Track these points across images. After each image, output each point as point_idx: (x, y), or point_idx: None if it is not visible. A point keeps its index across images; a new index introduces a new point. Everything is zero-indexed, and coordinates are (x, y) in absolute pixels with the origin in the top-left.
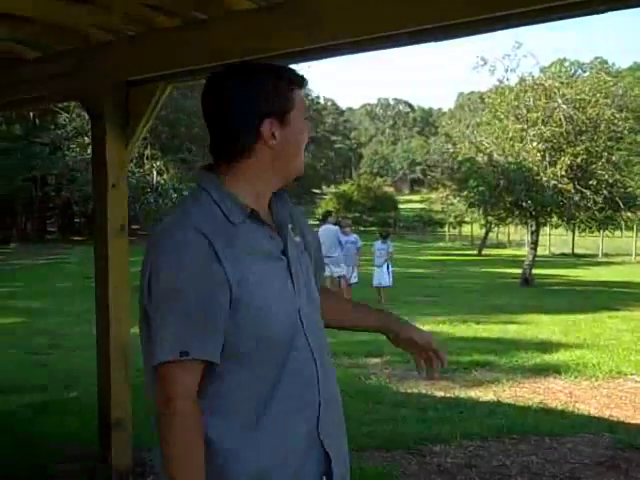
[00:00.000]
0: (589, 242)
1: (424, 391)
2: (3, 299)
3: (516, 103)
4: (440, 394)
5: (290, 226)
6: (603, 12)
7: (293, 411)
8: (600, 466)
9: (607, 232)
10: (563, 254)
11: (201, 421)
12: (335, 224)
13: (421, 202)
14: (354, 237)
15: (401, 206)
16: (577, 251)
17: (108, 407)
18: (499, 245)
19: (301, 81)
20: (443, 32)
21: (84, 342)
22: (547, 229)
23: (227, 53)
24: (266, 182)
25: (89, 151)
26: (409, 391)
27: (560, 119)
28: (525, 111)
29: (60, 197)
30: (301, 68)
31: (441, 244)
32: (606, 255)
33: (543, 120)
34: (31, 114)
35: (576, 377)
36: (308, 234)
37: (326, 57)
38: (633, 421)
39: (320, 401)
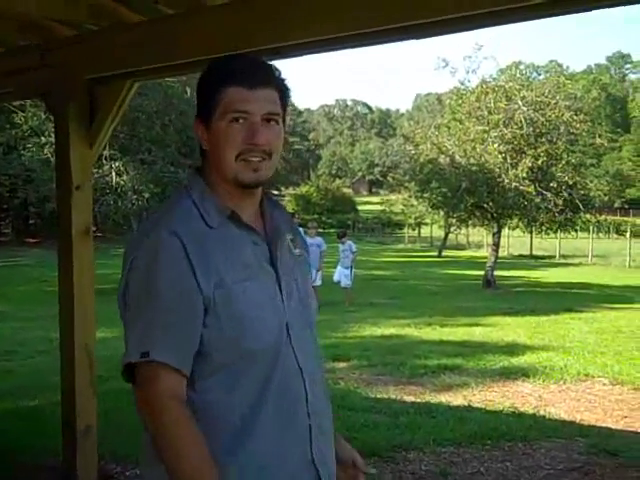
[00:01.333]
0: (546, 243)
1: (394, 396)
2: None
3: (477, 105)
4: (410, 399)
5: (290, 237)
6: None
7: (281, 429)
8: (575, 472)
9: (564, 233)
10: (521, 255)
11: (189, 416)
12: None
13: (380, 204)
14: (319, 240)
15: (360, 207)
16: (535, 252)
17: (73, 415)
18: (458, 247)
19: (232, 77)
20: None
21: (42, 348)
22: (506, 230)
23: (194, 50)
24: (223, 187)
25: (46, 151)
26: (379, 396)
27: (521, 121)
28: (486, 113)
29: (16, 198)
30: None
31: (401, 246)
32: (563, 256)
33: (504, 122)
34: None
35: (544, 380)
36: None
37: (299, 55)
38: (604, 424)
39: (311, 424)
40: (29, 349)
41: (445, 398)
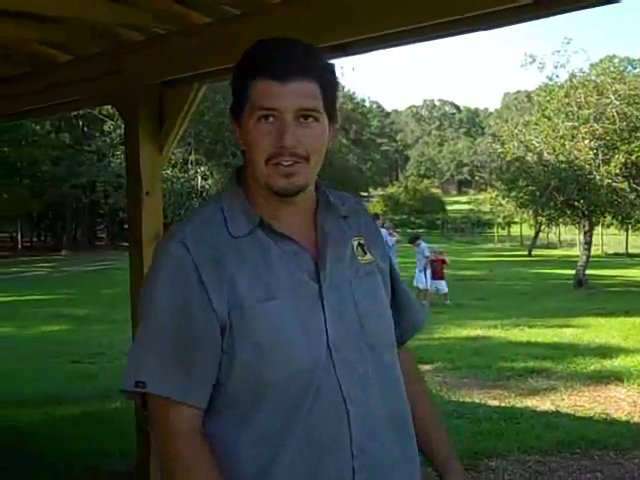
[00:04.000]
0: None
1: (477, 400)
2: (51, 306)
3: (566, 100)
4: (495, 403)
5: (357, 241)
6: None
7: (313, 468)
8: None
9: None
10: (616, 254)
11: (202, 457)
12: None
13: (469, 203)
14: (390, 239)
15: (449, 207)
16: (631, 250)
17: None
18: (549, 245)
19: (261, 68)
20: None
21: (127, 351)
22: (599, 228)
23: None
24: (259, 192)
25: None
26: (461, 400)
27: (613, 116)
28: (576, 108)
29: (108, 204)
30: (347, 69)
31: (490, 245)
32: None
33: (595, 117)
34: (80, 122)
35: (639, 385)
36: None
37: (367, 51)
38: None
39: (354, 466)
40: (115, 351)
41: (531, 403)
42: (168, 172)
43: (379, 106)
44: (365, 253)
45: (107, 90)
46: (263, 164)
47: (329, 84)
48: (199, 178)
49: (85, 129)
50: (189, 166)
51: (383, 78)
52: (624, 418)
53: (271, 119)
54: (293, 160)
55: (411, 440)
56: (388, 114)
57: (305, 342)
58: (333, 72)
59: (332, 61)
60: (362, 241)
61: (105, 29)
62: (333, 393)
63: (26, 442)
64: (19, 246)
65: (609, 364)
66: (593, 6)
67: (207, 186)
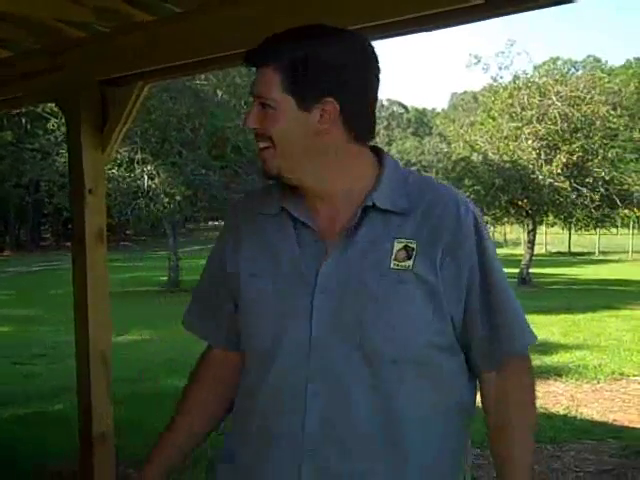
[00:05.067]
0: (585, 240)
1: None
2: None
3: (510, 101)
4: None
5: (402, 244)
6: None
7: (261, 450)
8: (605, 474)
9: (603, 230)
10: (560, 252)
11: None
12: None
13: None
14: None
15: None
16: (574, 249)
17: (89, 421)
18: (496, 245)
19: (247, 61)
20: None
21: (71, 352)
22: (543, 227)
23: (205, 48)
24: None
25: None
26: None
27: (555, 117)
28: (519, 109)
29: (52, 204)
30: None
31: None
32: (603, 253)
33: (538, 118)
34: (23, 120)
35: (577, 379)
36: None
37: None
38: (638, 426)
39: (306, 448)
40: (58, 352)
41: None
42: (114, 171)
43: None
44: (408, 259)
45: (48, 87)
46: None
47: (297, 68)
48: (145, 177)
49: (28, 127)
50: (135, 165)
51: None
52: (562, 412)
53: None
54: (263, 144)
55: (405, 466)
56: None
57: (280, 330)
58: (304, 55)
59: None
60: (412, 245)
61: (46, 25)
62: (295, 382)
63: None
64: None
65: (549, 360)
66: (547, 6)
67: (154, 185)
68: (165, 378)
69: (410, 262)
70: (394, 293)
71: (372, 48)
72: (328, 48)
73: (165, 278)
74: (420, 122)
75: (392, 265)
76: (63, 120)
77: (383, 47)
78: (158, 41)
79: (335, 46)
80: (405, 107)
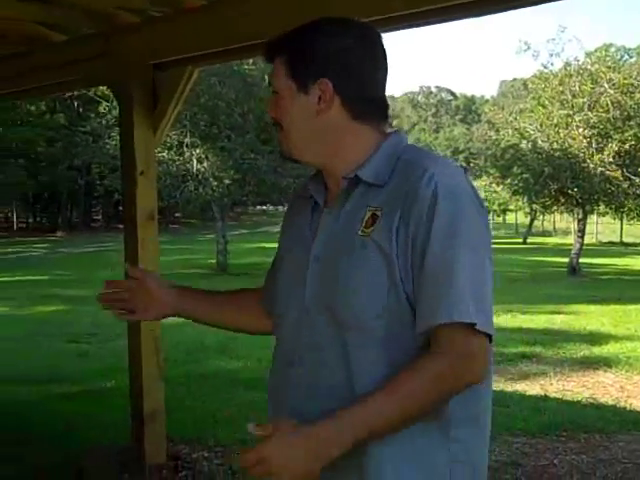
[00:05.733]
0: (638, 230)
1: None
2: (47, 287)
3: (561, 88)
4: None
5: (370, 212)
6: None
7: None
8: None
9: None
10: (611, 242)
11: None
12: None
13: None
14: None
15: None
16: (625, 239)
17: (140, 399)
18: (545, 233)
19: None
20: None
21: (120, 331)
22: (594, 217)
23: (253, 33)
24: None
25: None
26: None
27: (607, 104)
28: (570, 97)
29: (103, 186)
30: None
31: None
32: None
33: (589, 106)
34: (75, 103)
35: (627, 371)
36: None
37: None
38: None
39: (292, 415)
40: (109, 332)
41: (521, 387)
42: (164, 154)
43: None
44: (371, 225)
45: (101, 71)
46: None
47: (295, 54)
48: (194, 161)
49: (80, 110)
50: (184, 149)
51: None
52: (611, 402)
53: None
54: (279, 130)
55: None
56: None
57: (288, 299)
58: (301, 42)
59: None
60: (378, 212)
61: (100, 10)
62: (290, 350)
63: (24, 417)
64: (14, 227)
65: (598, 350)
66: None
67: (202, 169)
68: (213, 360)
69: (372, 228)
70: (355, 259)
71: (375, 36)
72: (324, 36)
73: (213, 261)
74: (468, 109)
75: (359, 232)
76: (114, 103)
77: (430, 34)
78: (208, 26)
79: (331, 34)
80: (454, 94)
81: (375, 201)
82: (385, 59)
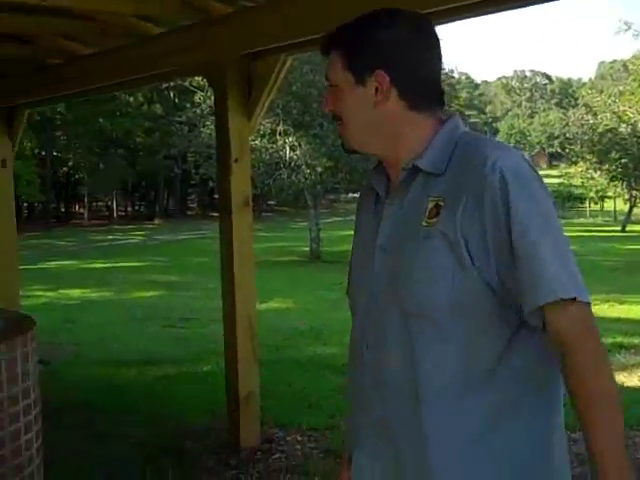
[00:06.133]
0: None
1: None
2: (144, 273)
3: None
4: None
5: (433, 202)
6: None
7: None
8: None
9: None
10: None
11: None
12: None
13: (559, 177)
14: None
15: None
16: None
17: (235, 382)
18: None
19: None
20: None
21: (216, 316)
22: None
23: (345, 20)
24: None
25: None
26: None
27: None
28: None
29: (199, 174)
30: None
31: (582, 220)
32: None
33: None
34: (171, 93)
35: None
36: (482, 224)
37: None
38: None
39: (363, 395)
40: (206, 317)
41: (619, 379)
42: (257, 142)
43: (468, 77)
44: (436, 215)
45: (198, 61)
46: None
47: (352, 46)
48: (287, 149)
49: (176, 100)
50: (277, 137)
51: (473, 49)
52: None
53: None
54: (338, 122)
55: (424, 418)
56: (477, 85)
57: (358, 287)
58: (357, 34)
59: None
60: (441, 203)
61: (195, 2)
62: (361, 336)
63: (124, 397)
64: (114, 215)
65: None
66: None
67: (295, 157)
68: (307, 345)
69: (436, 219)
70: (419, 249)
71: (428, 25)
72: (379, 28)
73: (307, 249)
74: (565, 93)
75: (423, 223)
76: (209, 93)
77: (524, 17)
78: (300, 14)
79: (386, 25)
80: (549, 77)
81: (436, 190)
82: (439, 47)
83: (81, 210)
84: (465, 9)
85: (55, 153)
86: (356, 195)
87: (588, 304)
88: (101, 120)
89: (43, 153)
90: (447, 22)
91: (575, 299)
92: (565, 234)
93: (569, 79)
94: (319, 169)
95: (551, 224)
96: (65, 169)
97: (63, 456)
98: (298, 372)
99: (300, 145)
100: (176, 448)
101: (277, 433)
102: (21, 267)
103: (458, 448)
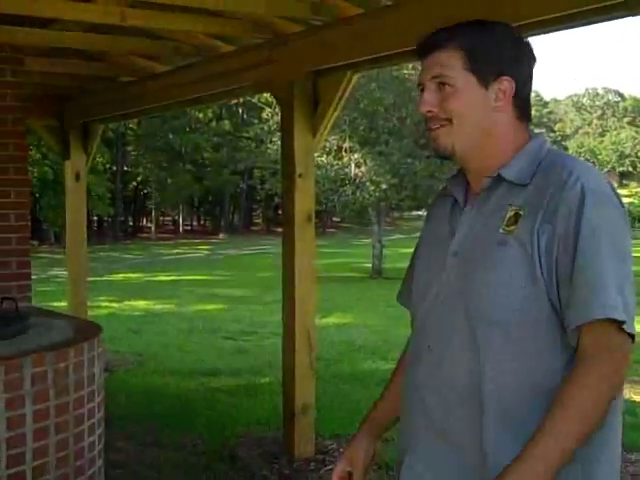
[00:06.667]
0: None
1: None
2: (208, 287)
3: None
4: (639, 399)
5: (513, 212)
6: None
7: (405, 398)
8: None
9: None
10: None
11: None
12: None
13: (630, 196)
14: None
15: None
16: None
17: (292, 394)
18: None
19: (417, 52)
20: None
21: (278, 330)
22: None
23: (406, 39)
24: None
25: None
26: None
27: None
28: None
29: (264, 189)
30: None
31: None
32: None
33: None
34: (239, 110)
35: None
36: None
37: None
38: None
39: (419, 396)
40: (266, 331)
41: None
42: (322, 159)
43: (537, 95)
44: (514, 224)
45: (265, 78)
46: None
47: (478, 48)
48: (352, 165)
49: (244, 116)
50: (343, 153)
51: (543, 66)
52: None
53: (421, 92)
54: (438, 124)
55: (485, 429)
56: (546, 103)
57: (424, 291)
58: (482, 37)
59: None
60: (521, 212)
61: (265, 21)
62: (422, 338)
63: (183, 407)
64: (180, 229)
65: None
66: None
67: (360, 173)
68: (364, 361)
69: (514, 227)
70: (494, 256)
71: (530, 45)
72: (505, 36)
73: (369, 265)
74: (638, 111)
75: (500, 230)
76: (276, 110)
77: (593, 33)
78: (365, 33)
79: (509, 36)
80: (622, 95)
81: (517, 200)
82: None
83: (148, 224)
84: (553, 21)
85: (125, 168)
86: (420, 212)
87: (631, 336)
88: (171, 135)
89: (114, 168)
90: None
91: (622, 324)
92: (631, 262)
93: None
94: (384, 186)
95: (619, 244)
96: (134, 184)
97: (123, 461)
98: (355, 386)
99: (365, 162)
100: (232, 456)
101: (331, 445)
102: (89, 278)
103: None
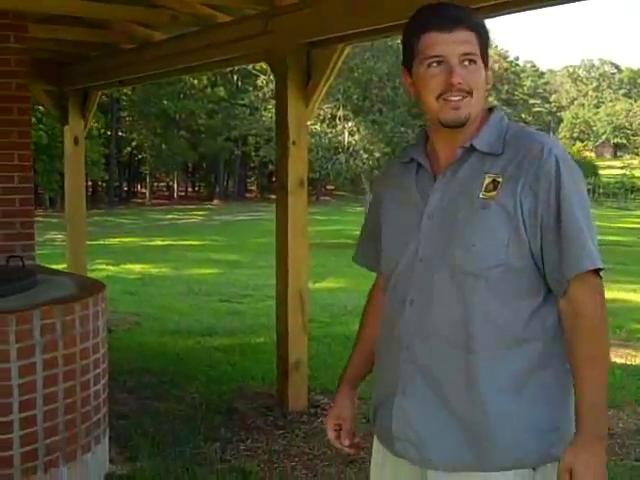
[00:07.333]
0: None
1: None
2: (203, 251)
3: None
4: (620, 361)
5: (491, 178)
6: None
7: (386, 347)
8: None
9: None
10: None
11: (375, 306)
12: None
13: (623, 168)
14: None
15: (602, 172)
16: None
17: (286, 351)
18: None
19: (429, 24)
20: None
21: (271, 293)
22: None
23: (399, 12)
24: (432, 129)
25: None
26: None
27: None
28: None
29: (258, 157)
30: (494, 29)
31: None
32: None
33: None
34: (234, 77)
35: None
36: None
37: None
38: None
39: (400, 357)
40: (261, 294)
41: None
42: (316, 127)
43: (533, 65)
44: (493, 190)
45: (261, 48)
46: (434, 100)
47: (484, 35)
48: (346, 133)
49: (239, 84)
50: (337, 122)
51: (539, 37)
52: None
53: (439, 64)
54: (461, 95)
55: (472, 366)
56: (542, 74)
57: (399, 251)
58: (486, 27)
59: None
60: (499, 179)
61: None
62: (401, 293)
63: (181, 364)
64: (175, 195)
65: None
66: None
67: (353, 142)
68: (355, 323)
69: (494, 193)
70: (477, 217)
71: None
72: (487, 26)
73: None
74: (634, 83)
75: (480, 195)
76: (271, 77)
77: (592, 5)
78: (358, 6)
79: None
80: (618, 67)
81: (494, 169)
82: None
83: (143, 190)
84: (511, 4)
85: (120, 133)
86: None
87: (601, 277)
88: (165, 102)
89: (108, 133)
90: (494, 17)
91: (599, 270)
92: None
93: (639, 69)
94: (377, 154)
95: (586, 204)
96: (129, 149)
97: (125, 412)
98: (346, 346)
99: (359, 130)
100: (228, 408)
101: (323, 399)
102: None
103: (506, 384)
